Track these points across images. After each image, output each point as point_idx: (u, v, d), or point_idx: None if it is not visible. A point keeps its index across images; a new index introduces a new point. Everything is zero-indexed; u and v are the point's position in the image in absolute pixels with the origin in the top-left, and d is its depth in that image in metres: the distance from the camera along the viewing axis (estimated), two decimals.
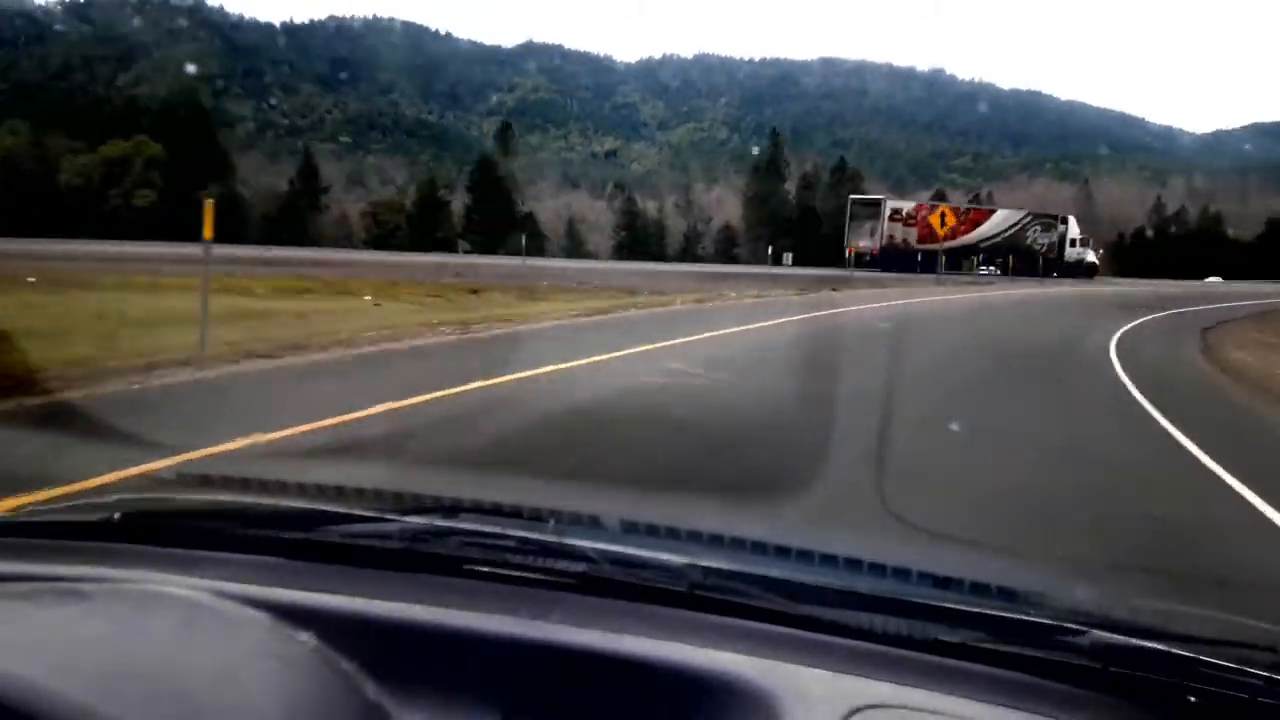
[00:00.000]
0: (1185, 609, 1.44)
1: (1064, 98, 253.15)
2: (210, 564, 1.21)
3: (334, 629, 1.02)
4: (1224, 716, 0.96)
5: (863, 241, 56.97)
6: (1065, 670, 1.00)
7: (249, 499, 1.55)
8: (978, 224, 62.19)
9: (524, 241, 46.81)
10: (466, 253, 66.31)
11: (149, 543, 1.27)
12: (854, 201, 62.00)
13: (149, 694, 0.76)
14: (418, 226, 78.31)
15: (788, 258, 63.11)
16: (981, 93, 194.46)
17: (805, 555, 1.34)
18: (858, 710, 0.94)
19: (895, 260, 54.22)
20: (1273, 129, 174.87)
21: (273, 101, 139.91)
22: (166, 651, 0.87)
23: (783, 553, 1.35)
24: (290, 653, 0.93)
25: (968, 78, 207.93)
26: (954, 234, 59.82)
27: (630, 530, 1.49)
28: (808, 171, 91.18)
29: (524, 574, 1.17)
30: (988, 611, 1.10)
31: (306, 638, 0.98)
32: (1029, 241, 62.79)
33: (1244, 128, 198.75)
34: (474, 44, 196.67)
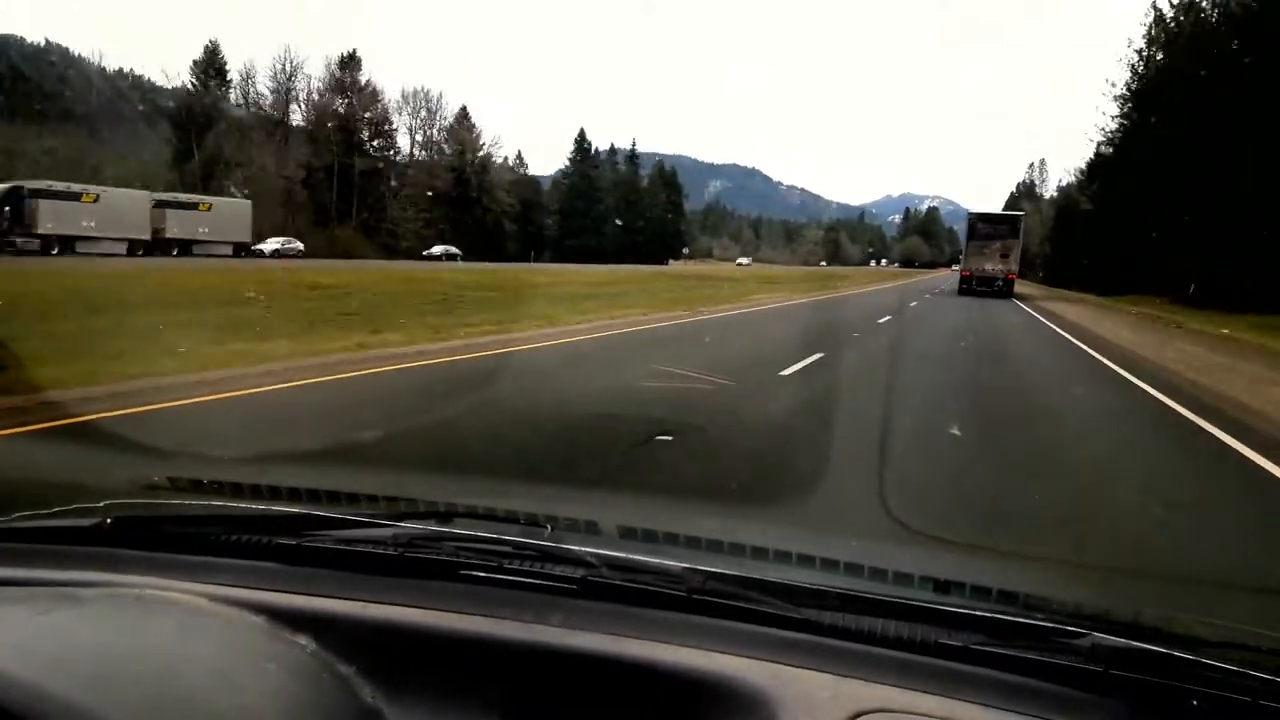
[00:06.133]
0: (1186, 612, 1.43)
1: None
2: (206, 569, 1.20)
3: (331, 633, 1.01)
4: (1226, 719, 0.96)
5: None
6: (1067, 673, 1.00)
7: (243, 504, 1.54)
8: None
9: None
10: None
11: (144, 548, 1.26)
12: None
13: (147, 697, 0.75)
14: None
15: None
16: None
17: (806, 559, 1.33)
18: (861, 714, 0.93)
19: None
20: None
21: None
22: (164, 655, 0.87)
23: (783, 557, 1.34)
24: (288, 657, 0.92)
25: None
26: None
27: (628, 535, 1.48)
28: None
29: (521, 578, 1.16)
30: (989, 615, 1.09)
31: (304, 641, 0.97)
32: None
33: None
34: None
